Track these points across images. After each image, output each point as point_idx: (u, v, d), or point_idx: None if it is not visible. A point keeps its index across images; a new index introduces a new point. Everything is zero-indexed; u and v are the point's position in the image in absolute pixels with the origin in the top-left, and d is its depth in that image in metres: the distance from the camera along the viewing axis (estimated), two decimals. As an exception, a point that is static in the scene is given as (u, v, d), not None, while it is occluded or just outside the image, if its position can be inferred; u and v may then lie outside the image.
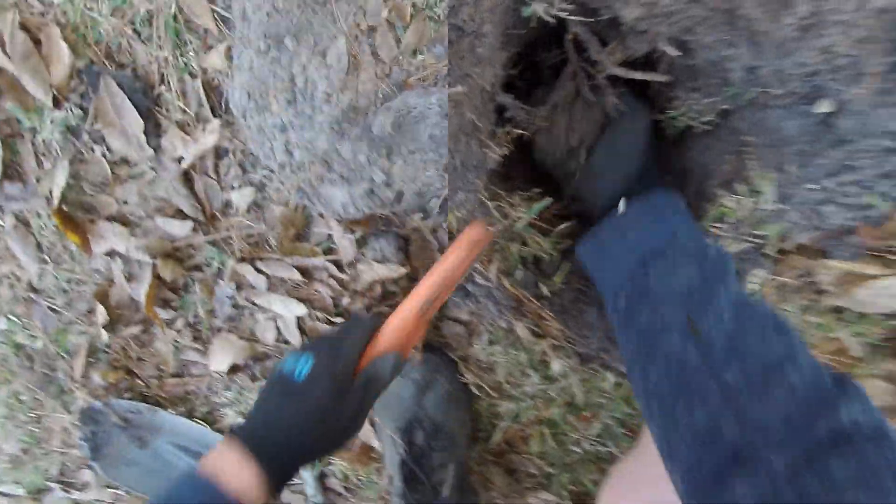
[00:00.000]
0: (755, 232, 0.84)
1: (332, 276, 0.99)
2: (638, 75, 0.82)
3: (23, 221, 1.04)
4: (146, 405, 1.14)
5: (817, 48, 0.66)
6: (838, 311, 0.88)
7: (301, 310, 1.01)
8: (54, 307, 1.10)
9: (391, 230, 0.93)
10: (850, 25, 0.62)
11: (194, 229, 0.98)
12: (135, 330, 1.10)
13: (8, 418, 1.24)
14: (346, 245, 0.95)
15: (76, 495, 1.32)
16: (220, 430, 1.17)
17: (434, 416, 1.03)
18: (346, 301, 1.02)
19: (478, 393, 1.07)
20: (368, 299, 1.00)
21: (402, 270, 0.94)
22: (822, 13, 0.62)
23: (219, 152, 0.93)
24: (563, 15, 0.76)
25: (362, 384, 0.68)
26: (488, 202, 0.86)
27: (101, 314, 1.06)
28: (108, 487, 1.30)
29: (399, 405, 1.04)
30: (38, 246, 1.05)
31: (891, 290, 0.83)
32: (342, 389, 0.66)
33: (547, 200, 0.88)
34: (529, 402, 1.05)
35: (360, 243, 0.95)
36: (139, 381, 1.15)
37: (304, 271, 0.99)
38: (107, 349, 1.13)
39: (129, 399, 1.15)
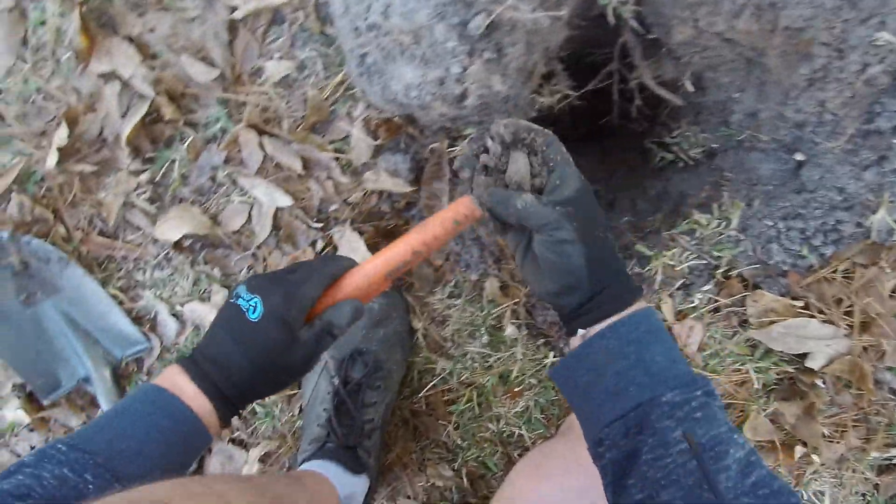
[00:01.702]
0: (714, 252, 0.99)
1: (331, 177, 1.00)
2: (663, 92, 0.97)
3: (20, 9, 0.95)
4: (60, 254, 1.02)
5: (816, 100, 0.85)
6: (753, 345, 1.04)
7: (285, 201, 1.00)
8: (3, 113, 0.99)
9: (410, 149, 0.98)
10: (845, 85, 0.82)
11: (215, 80, 0.96)
12: (88, 168, 1.00)
13: None
14: (362, 147, 0.97)
15: None
16: (128, 311, 1.06)
17: (378, 352, 1.02)
18: (332, 208, 1.02)
19: (421, 343, 1.08)
20: (357, 213, 1.02)
21: (408, 189, 0.98)
22: (830, 69, 0.81)
23: (276, 17, 0.94)
24: (627, 15, 0.91)
25: (318, 330, 0.68)
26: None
27: (60, 137, 0.97)
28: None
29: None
30: (24, 42, 0.97)
31: (798, 332, 1.00)
32: (294, 332, 0.66)
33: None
34: (468, 363, 1.07)
35: (376, 152, 0.98)
36: (62, 228, 1.03)
37: (306, 164, 0.99)
38: (42, 180, 1.02)
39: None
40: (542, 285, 0.68)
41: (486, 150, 0.71)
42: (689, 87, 0.98)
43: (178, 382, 0.64)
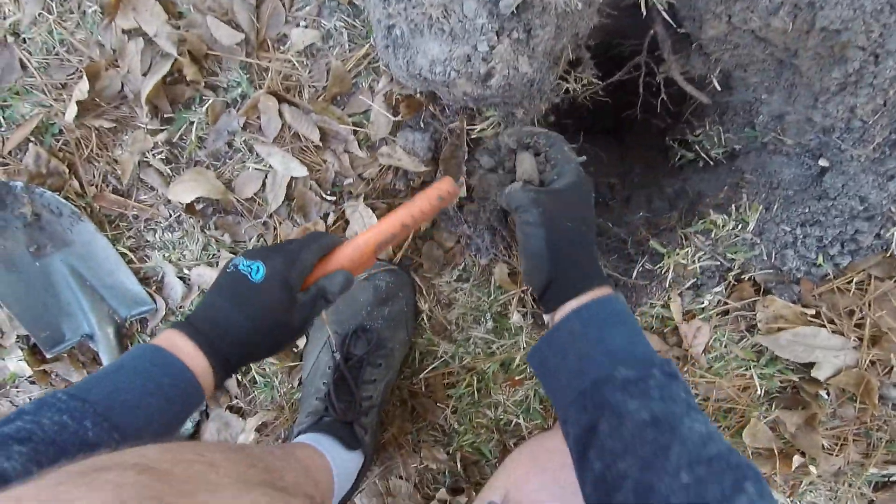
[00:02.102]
0: (728, 254, 0.98)
1: (348, 150, 0.99)
2: (690, 88, 0.96)
3: (49, -41, 0.95)
4: (72, 208, 1.02)
5: (846, 106, 0.84)
6: (760, 351, 1.03)
7: (301, 172, 0.99)
8: (27, 62, 0.99)
9: (430, 128, 0.97)
10: (877, 91, 0.80)
11: (239, 45, 0.95)
12: (106, 124, 1.00)
13: None
14: (381, 122, 0.96)
15: None
16: (136, 271, 1.06)
17: (382, 330, 1.02)
18: (347, 182, 1.01)
19: (425, 324, 1.07)
20: (371, 189, 1.01)
21: (424, 168, 0.97)
22: (864, 74, 0.80)
23: (305, -16, 0.93)
24: (660, 7, 0.89)
25: (312, 295, 0.72)
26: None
27: (81, 90, 0.97)
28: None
29: (351, 307, 1.02)
30: (51, -9, 0.96)
31: (807, 341, 0.99)
32: (292, 297, 0.70)
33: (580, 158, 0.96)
34: (470, 348, 1.07)
35: (395, 128, 0.97)
36: (76, 183, 1.03)
37: (324, 135, 0.99)
38: (60, 133, 1.01)
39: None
40: (521, 266, 0.78)
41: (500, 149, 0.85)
42: (717, 86, 0.96)
43: (177, 342, 0.66)
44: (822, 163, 0.91)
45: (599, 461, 0.59)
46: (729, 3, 0.85)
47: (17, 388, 1.15)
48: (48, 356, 1.08)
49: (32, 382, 1.14)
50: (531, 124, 0.94)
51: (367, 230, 0.77)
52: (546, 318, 0.77)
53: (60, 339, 1.08)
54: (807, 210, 0.93)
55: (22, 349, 1.11)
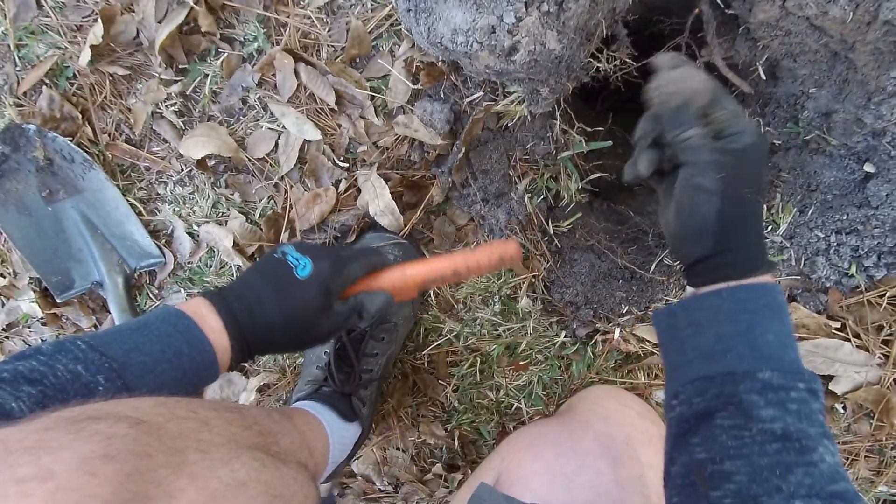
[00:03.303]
0: (754, 255, 0.92)
1: (363, 116, 0.96)
2: (731, 75, 0.89)
3: None
4: (84, 155, 1.00)
5: (901, 108, 0.76)
6: (776, 357, 0.98)
7: (314, 135, 0.96)
8: (43, 1, 0.96)
9: (450, 99, 0.92)
10: (939, 96, 0.73)
11: (257, -2, 0.91)
12: (120, 71, 0.98)
13: None
14: (399, 89, 0.92)
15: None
16: (146, 223, 1.05)
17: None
18: (361, 149, 0.97)
19: (432, 300, 1.05)
20: (385, 158, 0.97)
21: (441, 142, 0.93)
22: (926, 76, 0.73)
23: (328, -63, 0.88)
24: (708, -16, 0.82)
25: (350, 306, 0.72)
26: (557, 116, 0.88)
27: (95, 34, 0.94)
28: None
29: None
30: (68, -71, 0.92)
31: (829, 353, 0.94)
32: (329, 303, 0.69)
33: (605, 143, 0.91)
34: (476, 329, 1.05)
35: (414, 97, 0.93)
36: (89, 130, 1.01)
37: (340, 99, 0.95)
38: (74, 77, 0.99)
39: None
40: (669, 224, 0.64)
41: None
42: (762, 74, 0.89)
43: (204, 313, 0.65)
44: (868, 168, 0.84)
45: (704, 450, 0.55)
46: (785, -14, 0.77)
47: (29, 328, 1.17)
48: (59, 301, 1.09)
49: (44, 324, 1.15)
50: (556, 104, 0.89)
51: (419, 262, 0.76)
52: (689, 289, 0.67)
53: (70, 285, 1.08)
54: (845, 217, 0.87)
55: (34, 291, 1.12)
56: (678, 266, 0.96)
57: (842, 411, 0.98)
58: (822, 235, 0.89)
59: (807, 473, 0.51)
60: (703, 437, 0.56)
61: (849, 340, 0.93)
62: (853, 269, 0.90)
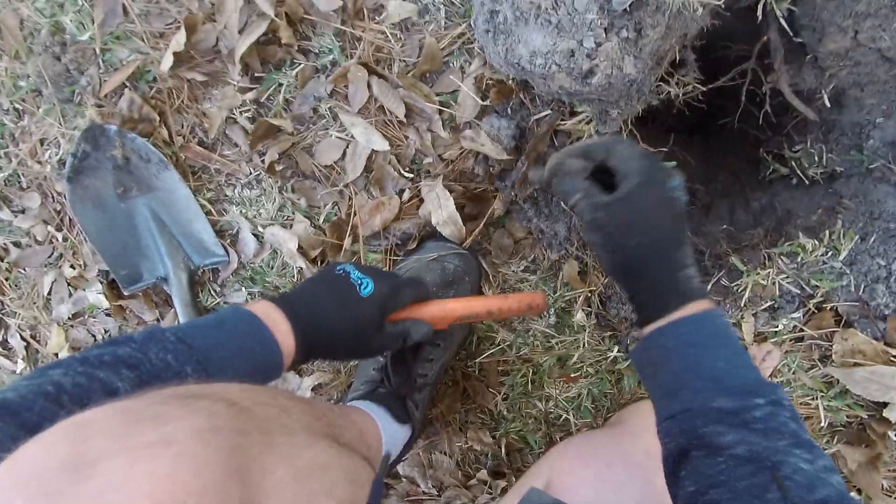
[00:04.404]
0: (812, 280, 0.93)
1: (431, 129, 0.98)
2: (796, 102, 0.90)
3: None
4: (160, 156, 1.05)
5: (972, 142, 0.77)
6: (829, 383, 0.99)
7: (382, 145, 0.99)
8: (129, 8, 1.01)
9: (517, 116, 0.95)
10: None
11: (335, 11, 0.94)
12: (198, 77, 1.02)
13: (-13, 95, 1.10)
14: (468, 104, 0.95)
15: (3, 214, 1.17)
16: (213, 223, 1.09)
17: (443, 310, 1.02)
18: (426, 161, 1.00)
19: (486, 310, 1.07)
20: (449, 171, 1.00)
21: (506, 157, 0.95)
22: None
23: (408, -44, 0.91)
24: (779, 13, 0.84)
25: (399, 330, 0.80)
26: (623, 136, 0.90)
27: (178, 41, 0.98)
28: (46, 223, 1.17)
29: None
30: (158, -59, 0.97)
31: (885, 380, 0.94)
32: (383, 323, 0.77)
33: (669, 164, 0.93)
34: (529, 340, 1.07)
35: (482, 112, 0.96)
36: (165, 132, 1.05)
37: (409, 111, 0.98)
38: (154, 81, 1.04)
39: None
40: None
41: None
42: (827, 102, 0.90)
43: (274, 316, 0.69)
44: (934, 199, 0.85)
45: (692, 483, 0.57)
46: (858, 18, 0.78)
47: (94, 318, 1.21)
48: (125, 293, 1.14)
49: (108, 315, 1.20)
50: (623, 125, 0.91)
51: (458, 299, 0.86)
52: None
53: (138, 279, 1.13)
54: (907, 247, 0.88)
55: (101, 283, 1.17)
56: (733, 287, 0.97)
57: (895, 439, 0.98)
58: (884, 263, 0.90)
59: (781, 492, 0.52)
60: (688, 470, 0.59)
61: (905, 369, 0.93)
62: (913, 299, 0.90)
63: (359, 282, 0.76)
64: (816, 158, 0.96)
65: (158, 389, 0.43)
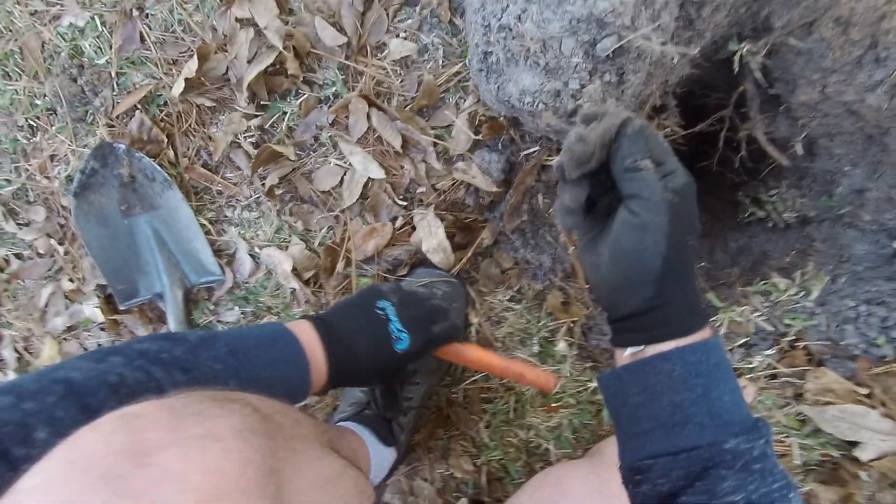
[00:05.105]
0: (786, 319, 0.97)
1: (425, 160, 1.03)
2: (772, 149, 0.96)
3: (182, -54, 1.02)
4: (165, 175, 1.09)
5: (931, 191, 0.82)
6: (803, 420, 1.01)
7: (378, 174, 1.04)
8: (146, 35, 1.07)
9: (507, 151, 1.00)
10: (968, 184, 0.79)
11: (340, 47, 1.00)
12: (207, 102, 1.07)
13: (3, 111, 1.15)
14: (461, 138, 1.00)
15: (8, 226, 1.20)
16: (212, 243, 1.13)
17: (431, 335, 1.05)
18: (419, 190, 1.05)
19: (473, 337, 1.10)
20: (441, 200, 1.05)
21: (495, 189, 1.00)
22: (956, 164, 0.79)
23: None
24: (754, 66, 0.90)
25: (416, 367, 0.89)
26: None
27: (190, 68, 1.04)
28: (49, 237, 1.20)
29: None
30: (178, -25, 1.04)
31: (855, 419, 0.97)
32: (407, 371, 0.87)
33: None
34: (512, 368, 1.09)
35: (474, 146, 1.01)
36: (171, 152, 1.10)
37: (405, 143, 1.03)
38: (164, 104, 1.09)
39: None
40: (599, 269, 0.58)
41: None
42: (800, 150, 0.96)
43: (313, 345, 0.73)
44: (898, 244, 0.89)
45: None
46: (826, 73, 0.85)
47: (88, 331, 1.23)
48: (121, 308, 1.16)
49: (102, 329, 1.22)
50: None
51: (482, 351, 0.90)
52: (619, 353, 0.60)
53: (134, 294, 1.15)
54: (874, 289, 0.92)
55: (98, 297, 1.20)
56: (711, 323, 1.01)
57: (866, 479, 1.00)
58: (853, 304, 0.94)
59: None
60: None
61: (875, 408, 0.96)
62: (881, 340, 0.94)
63: (397, 336, 0.79)
64: (790, 203, 1.01)
65: (195, 389, 0.46)
